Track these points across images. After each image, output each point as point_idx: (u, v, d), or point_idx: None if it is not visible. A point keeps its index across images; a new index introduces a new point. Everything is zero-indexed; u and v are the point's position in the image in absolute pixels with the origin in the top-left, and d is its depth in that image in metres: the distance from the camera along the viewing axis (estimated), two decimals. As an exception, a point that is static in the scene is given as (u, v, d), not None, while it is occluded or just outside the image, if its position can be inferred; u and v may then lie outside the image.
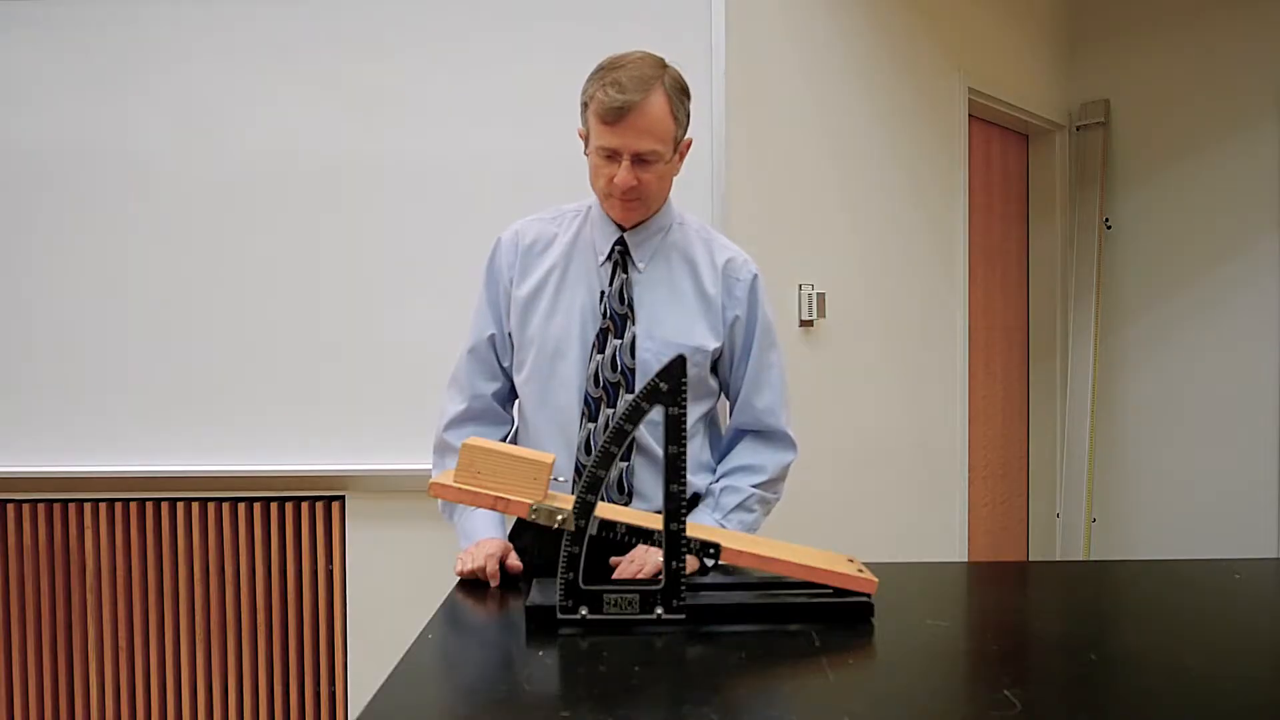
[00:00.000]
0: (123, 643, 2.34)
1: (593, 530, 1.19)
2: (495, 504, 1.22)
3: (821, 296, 2.72)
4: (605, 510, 1.24)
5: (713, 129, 2.26)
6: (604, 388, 1.49)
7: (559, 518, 1.19)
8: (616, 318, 1.50)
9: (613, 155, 1.43)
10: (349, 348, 2.30)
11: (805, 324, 2.72)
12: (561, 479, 1.42)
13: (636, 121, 1.40)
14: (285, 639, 2.34)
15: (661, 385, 1.18)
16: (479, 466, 1.23)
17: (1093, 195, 3.84)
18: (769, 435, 1.60)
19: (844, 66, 2.88)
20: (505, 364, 1.60)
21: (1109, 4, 3.87)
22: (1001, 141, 3.78)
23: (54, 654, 2.34)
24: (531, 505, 1.20)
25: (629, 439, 1.20)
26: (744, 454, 1.59)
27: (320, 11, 2.28)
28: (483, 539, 1.45)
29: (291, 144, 2.29)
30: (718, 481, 1.58)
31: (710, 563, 1.26)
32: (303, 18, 2.28)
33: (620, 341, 1.49)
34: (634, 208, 1.49)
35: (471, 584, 1.40)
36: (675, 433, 1.19)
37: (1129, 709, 0.97)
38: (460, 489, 1.23)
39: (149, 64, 2.29)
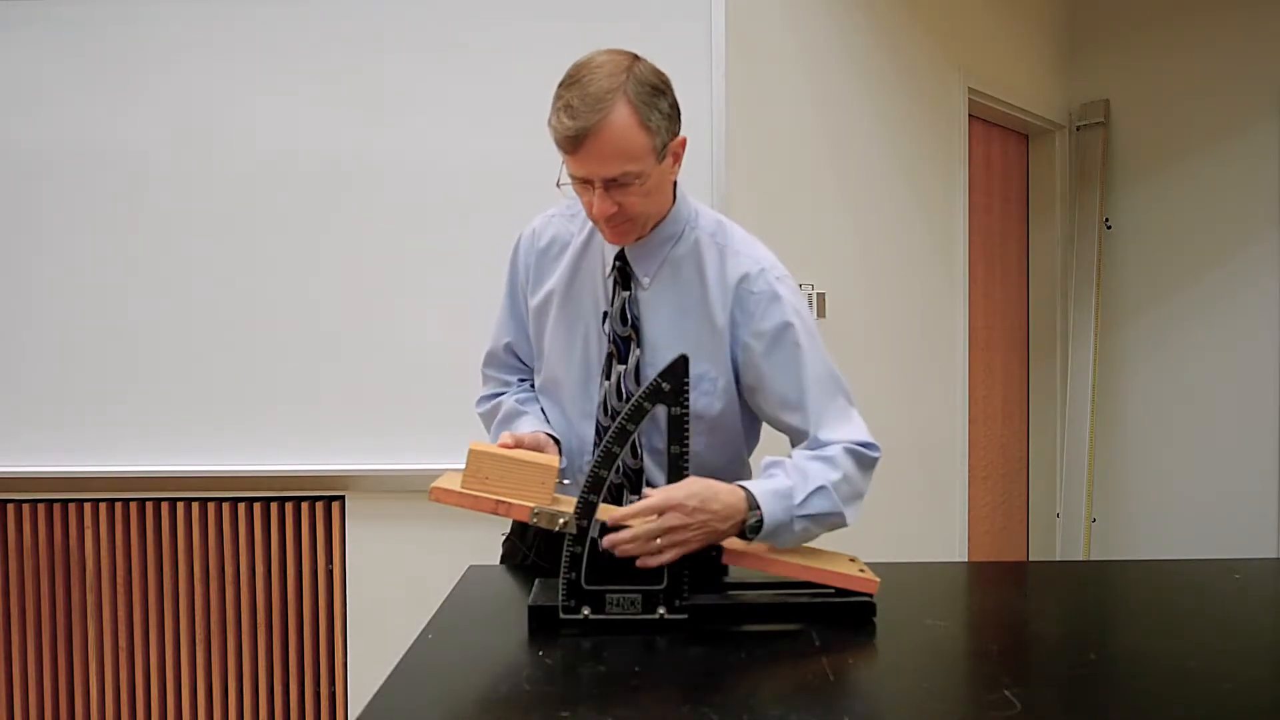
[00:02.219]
0: (123, 643, 2.34)
1: (595, 531, 1.19)
2: (496, 508, 1.22)
3: (821, 296, 2.72)
4: (607, 512, 1.24)
5: (713, 129, 2.26)
6: (612, 416, 1.39)
7: (560, 521, 1.19)
8: (620, 340, 1.39)
9: (587, 181, 1.30)
10: (349, 347, 2.30)
11: (805, 324, 2.72)
12: (566, 481, 1.41)
13: (597, 147, 1.26)
14: (285, 639, 2.34)
15: (664, 385, 1.18)
16: (486, 471, 1.23)
17: (1093, 195, 3.84)
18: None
19: (844, 66, 2.88)
20: (530, 364, 1.56)
21: (1109, 4, 3.87)
22: (1001, 141, 3.78)
23: (54, 654, 2.34)
24: (533, 509, 1.20)
25: (630, 439, 1.19)
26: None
27: (320, 11, 2.28)
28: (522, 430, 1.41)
29: (292, 144, 2.29)
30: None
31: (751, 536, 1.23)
32: (303, 18, 2.28)
33: (624, 367, 1.39)
34: (623, 230, 1.35)
35: (472, 584, 1.40)
36: (677, 432, 1.19)
37: (1129, 709, 0.97)
38: (463, 493, 1.23)
39: (149, 64, 2.28)
